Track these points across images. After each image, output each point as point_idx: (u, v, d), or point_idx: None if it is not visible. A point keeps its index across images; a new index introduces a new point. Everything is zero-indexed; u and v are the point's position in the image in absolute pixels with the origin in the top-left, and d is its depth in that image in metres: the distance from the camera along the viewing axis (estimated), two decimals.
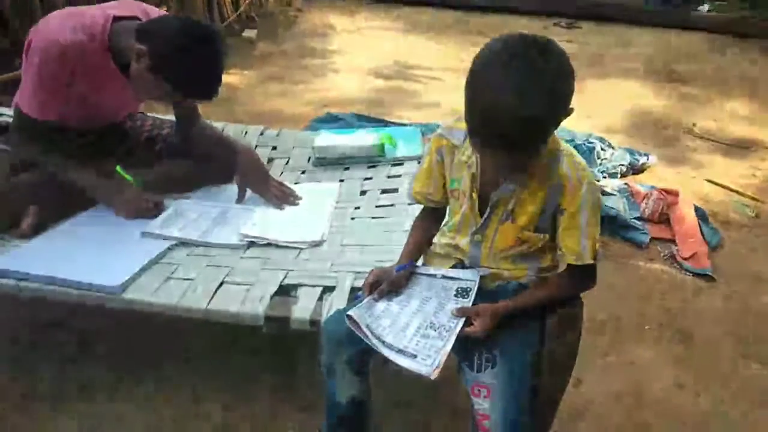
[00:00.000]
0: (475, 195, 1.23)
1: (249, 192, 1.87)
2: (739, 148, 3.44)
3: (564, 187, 1.14)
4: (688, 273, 2.34)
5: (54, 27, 1.59)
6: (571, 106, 1.06)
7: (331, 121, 3.34)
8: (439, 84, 4.22)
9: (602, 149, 3.13)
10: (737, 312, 2.16)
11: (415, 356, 1.14)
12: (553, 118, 1.04)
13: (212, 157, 1.94)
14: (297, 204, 1.82)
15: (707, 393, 1.81)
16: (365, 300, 1.24)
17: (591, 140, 3.16)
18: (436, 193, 1.34)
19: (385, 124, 3.20)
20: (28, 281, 1.42)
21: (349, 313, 1.18)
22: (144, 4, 1.81)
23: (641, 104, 4.02)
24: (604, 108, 3.93)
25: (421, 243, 1.37)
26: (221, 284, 1.46)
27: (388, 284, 1.27)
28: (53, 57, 1.57)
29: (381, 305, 1.24)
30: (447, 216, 1.39)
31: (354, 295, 1.41)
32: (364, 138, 2.07)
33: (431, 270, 1.34)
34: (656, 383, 1.83)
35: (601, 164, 3.00)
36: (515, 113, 0.97)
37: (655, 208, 2.63)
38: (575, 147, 3.06)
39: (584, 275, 1.22)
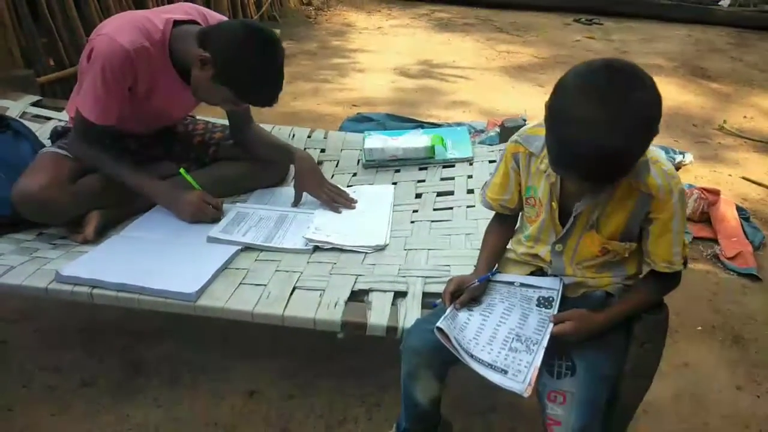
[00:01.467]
0: (555, 204, 1.22)
1: (305, 195, 1.87)
2: None
3: (653, 196, 1.13)
4: (733, 273, 2.34)
5: (117, 31, 1.60)
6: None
7: (363, 120, 3.34)
8: (467, 83, 4.21)
9: None
10: None
11: (505, 372, 1.13)
12: (644, 147, 1.03)
13: (265, 159, 1.95)
14: (353, 207, 1.82)
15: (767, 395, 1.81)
16: (448, 310, 1.24)
17: None
18: (511, 200, 1.34)
19: (420, 124, 3.20)
20: (101, 288, 1.42)
21: (438, 325, 1.17)
22: (200, 6, 1.81)
23: (668, 101, 3.95)
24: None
25: (497, 250, 1.37)
26: (293, 290, 1.46)
27: (469, 293, 1.27)
28: (118, 62, 1.57)
29: (463, 316, 1.24)
30: (519, 222, 1.39)
31: (431, 303, 1.41)
32: (414, 139, 2.07)
33: (508, 277, 1.34)
34: (713, 385, 1.83)
35: None
36: (604, 150, 0.96)
37: (696, 207, 2.62)
38: None
39: (671, 280, 1.22)
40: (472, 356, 1.15)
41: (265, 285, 1.47)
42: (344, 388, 1.73)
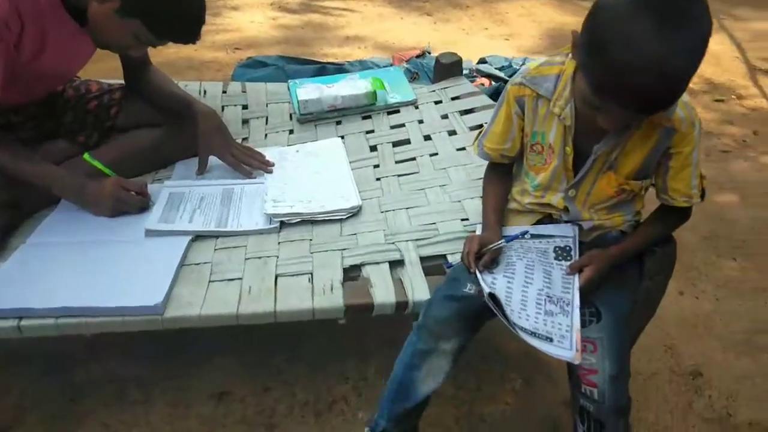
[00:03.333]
0: (569, 149, 1.13)
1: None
2: None
3: (676, 130, 1.07)
4: None
5: None
6: None
7: (257, 66, 2.99)
8: (354, 16, 3.95)
9: None
10: (708, 219, 2.34)
11: (550, 339, 1.06)
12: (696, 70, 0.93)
13: (179, 115, 1.62)
14: (270, 170, 1.59)
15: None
16: (481, 276, 1.12)
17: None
18: (512, 148, 1.23)
19: (323, 65, 2.93)
20: (33, 318, 1.10)
21: (490, 291, 1.05)
22: None
23: (551, 23, 4.09)
24: (521, 30, 3.95)
25: (502, 203, 1.27)
26: (276, 278, 1.25)
27: (492, 254, 1.16)
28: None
29: (487, 279, 1.13)
30: (518, 170, 1.29)
31: (433, 267, 1.28)
32: (352, 85, 1.85)
33: (516, 229, 1.24)
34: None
35: None
36: (668, 74, 0.86)
37: None
38: (514, 72, 3.11)
39: (684, 214, 1.20)
40: (513, 325, 1.06)
41: (240, 278, 1.25)
42: (322, 369, 1.58)
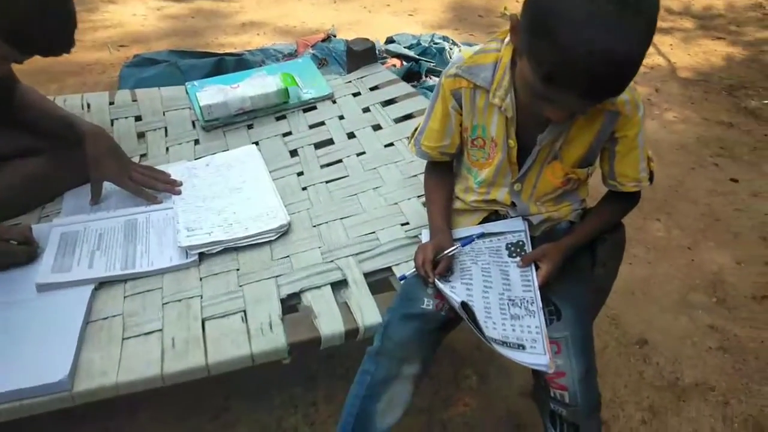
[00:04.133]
0: (512, 142, 1.05)
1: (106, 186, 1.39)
2: None
3: (620, 113, 1.01)
4: None
5: None
6: None
7: (147, 64, 2.71)
8: (250, 0, 3.68)
9: (450, 48, 3.06)
10: None
11: (523, 346, 0.98)
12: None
13: (63, 139, 1.38)
14: (177, 192, 1.39)
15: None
16: (442, 286, 1.01)
17: (436, 41, 3.07)
18: (451, 145, 1.13)
19: (220, 57, 2.69)
20: None
21: (464, 300, 0.94)
22: None
23: None
24: (424, 4, 3.86)
25: (448, 205, 1.16)
26: (203, 323, 1.08)
27: (447, 262, 1.06)
28: None
29: (445, 289, 1.03)
30: (459, 167, 1.19)
31: (379, 283, 1.16)
32: (259, 83, 1.67)
33: (468, 231, 1.15)
34: None
35: None
36: (620, 58, 0.78)
37: None
38: (424, 50, 3.02)
39: (632, 199, 1.15)
40: (487, 337, 0.97)
41: (160, 330, 1.07)
42: (266, 401, 1.44)
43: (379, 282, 1.20)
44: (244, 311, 1.11)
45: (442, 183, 1.18)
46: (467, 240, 1.10)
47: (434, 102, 1.10)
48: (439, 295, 1.06)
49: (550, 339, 1.06)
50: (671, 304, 1.88)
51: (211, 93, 1.63)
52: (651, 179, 1.10)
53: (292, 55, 2.83)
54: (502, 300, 1.04)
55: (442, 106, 1.09)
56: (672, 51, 3.46)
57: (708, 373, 1.67)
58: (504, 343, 0.97)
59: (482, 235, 1.13)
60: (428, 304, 1.04)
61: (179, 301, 1.13)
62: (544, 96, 0.87)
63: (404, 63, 2.82)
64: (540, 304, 1.04)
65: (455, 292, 1.04)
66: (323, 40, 2.90)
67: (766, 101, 3.00)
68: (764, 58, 3.40)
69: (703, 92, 3.07)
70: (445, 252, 1.07)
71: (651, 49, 3.48)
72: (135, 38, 3.13)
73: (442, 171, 1.19)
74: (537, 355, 0.97)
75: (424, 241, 1.17)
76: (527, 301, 1.04)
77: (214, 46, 3.07)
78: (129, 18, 3.36)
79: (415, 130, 1.18)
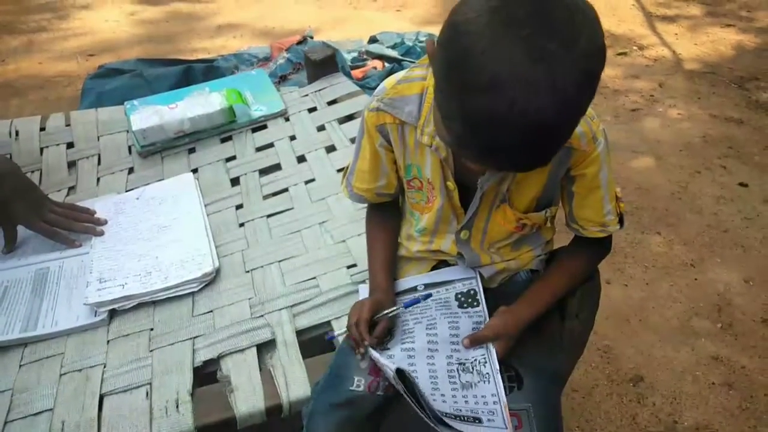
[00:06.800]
0: (451, 184, 0.87)
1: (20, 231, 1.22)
2: None
3: (574, 148, 0.82)
4: None
5: None
6: None
7: (111, 74, 2.56)
8: (226, 1, 3.52)
9: None
10: (627, 191, 2.19)
11: (479, 420, 0.81)
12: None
13: None
14: (99, 232, 1.23)
15: None
16: (376, 354, 0.85)
17: (421, 39, 2.88)
18: (388, 185, 0.96)
19: (189, 64, 2.53)
20: None
21: (400, 367, 0.78)
22: None
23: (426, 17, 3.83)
24: None
25: (391, 256, 0.99)
26: (101, 400, 0.93)
27: (385, 323, 0.90)
28: None
29: (381, 359, 0.87)
30: (404, 204, 1.02)
31: (327, 336, 1.00)
32: (201, 101, 1.50)
33: (411, 282, 0.99)
34: None
35: None
36: (547, 128, 0.58)
37: None
38: (408, 50, 2.83)
39: (603, 245, 0.96)
40: (431, 411, 0.80)
41: (50, 410, 0.91)
42: None
43: (314, 340, 1.04)
44: (150, 384, 0.95)
45: (383, 229, 1.01)
46: (411, 301, 0.93)
47: (360, 139, 0.93)
48: (375, 369, 0.89)
49: (510, 411, 0.89)
50: (671, 333, 1.69)
51: (146, 115, 1.47)
52: (621, 223, 0.92)
53: (267, 59, 2.66)
54: (451, 365, 0.88)
55: (369, 144, 0.92)
56: (677, 41, 3.23)
57: (711, 414, 1.48)
58: (456, 417, 0.81)
59: (428, 296, 0.96)
60: (358, 384, 0.88)
61: (79, 371, 0.97)
62: (458, 154, 0.69)
63: (386, 64, 2.65)
64: (496, 366, 0.87)
65: (393, 360, 0.87)
66: (299, 43, 2.72)
67: None
68: None
69: (711, 86, 2.85)
70: (385, 312, 0.91)
71: (654, 39, 3.26)
72: (105, 46, 2.99)
73: (384, 213, 1.02)
74: (497, 429, 0.80)
75: (361, 297, 1.00)
76: (479, 363, 0.87)
77: (187, 51, 2.92)
78: (101, 24, 3.21)
79: (345, 169, 1.01)
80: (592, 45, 0.58)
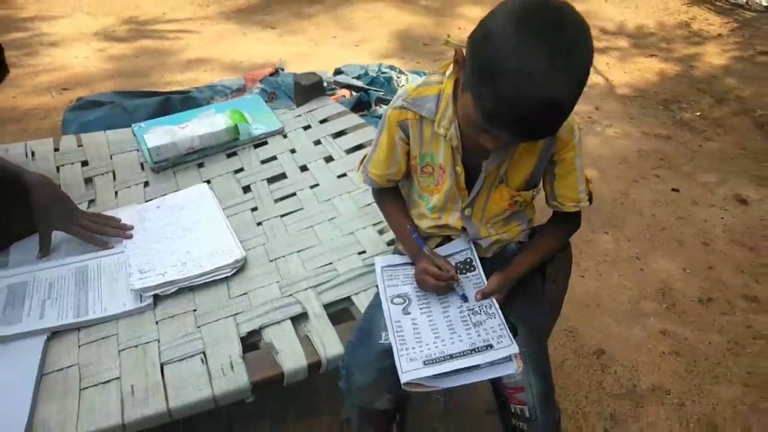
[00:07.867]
0: (459, 168, 1.10)
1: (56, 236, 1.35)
2: None
3: (559, 137, 1.07)
4: None
5: None
6: None
7: (91, 106, 2.66)
8: (193, 37, 3.69)
9: (397, 77, 3.14)
10: None
11: (491, 345, 1.01)
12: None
13: (7, 191, 1.34)
14: (129, 236, 1.37)
15: None
16: (399, 339, 1.04)
17: (384, 70, 3.14)
18: (397, 172, 1.18)
19: (167, 96, 2.67)
20: None
21: (406, 380, 0.97)
22: None
23: (396, 25, 4.13)
24: (370, 34, 3.94)
25: (411, 219, 1.22)
26: (162, 368, 1.06)
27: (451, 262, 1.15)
28: None
29: (407, 326, 1.07)
30: (410, 193, 1.23)
31: (338, 314, 1.17)
32: (208, 122, 1.67)
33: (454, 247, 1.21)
34: None
35: None
36: (556, 104, 0.83)
37: None
38: (372, 80, 3.08)
39: (574, 221, 1.21)
40: (451, 356, 0.99)
41: (118, 378, 1.04)
42: None
43: (339, 312, 1.21)
44: (204, 353, 1.09)
45: (396, 202, 1.23)
46: (461, 248, 1.19)
47: (380, 133, 1.14)
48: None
49: None
50: (624, 314, 1.94)
51: (159, 134, 1.62)
52: (590, 200, 1.16)
53: (241, 90, 2.84)
54: (462, 312, 1.08)
55: (387, 137, 1.12)
56: (609, 69, 3.64)
57: (663, 378, 1.73)
58: (472, 351, 1.00)
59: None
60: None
61: (136, 347, 1.11)
62: (483, 128, 0.91)
63: (353, 93, 2.87)
64: (498, 307, 1.08)
65: (416, 322, 1.08)
66: (271, 74, 2.93)
67: (698, 113, 3.18)
68: (693, 73, 3.61)
69: (641, 107, 3.23)
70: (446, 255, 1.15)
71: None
72: (78, 81, 3.08)
73: (393, 191, 1.25)
74: (506, 348, 1.00)
75: (378, 269, 1.19)
76: (485, 306, 1.08)
77: (160, 84, 3.05)
78: (71, 60, 3.31)
79: (364, 157, 1.22)
80: (588, 49, 0.84)
